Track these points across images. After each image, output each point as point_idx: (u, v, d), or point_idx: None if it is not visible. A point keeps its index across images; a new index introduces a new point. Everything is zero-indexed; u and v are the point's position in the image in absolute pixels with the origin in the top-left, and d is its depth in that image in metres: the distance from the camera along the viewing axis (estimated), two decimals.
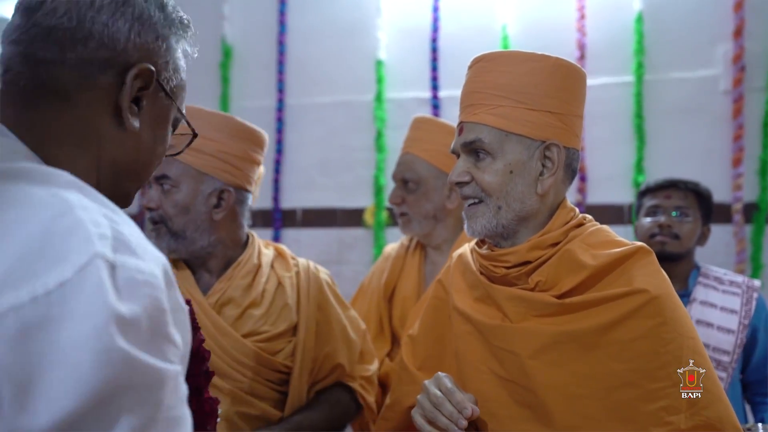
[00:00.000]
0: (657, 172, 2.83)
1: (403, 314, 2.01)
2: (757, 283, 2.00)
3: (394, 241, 2.31)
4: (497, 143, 1.15)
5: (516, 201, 1.16)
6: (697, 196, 2.09)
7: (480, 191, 1.17)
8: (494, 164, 1.15)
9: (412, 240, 2.13)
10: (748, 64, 2.82)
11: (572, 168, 1.20)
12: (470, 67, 1.23)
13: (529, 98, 1.14)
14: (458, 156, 1.23)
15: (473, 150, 1.18)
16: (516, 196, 1.15)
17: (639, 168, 2.92)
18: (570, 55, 3.04)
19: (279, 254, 1.75)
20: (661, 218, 2.05)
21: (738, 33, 2.81)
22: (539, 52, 1.17)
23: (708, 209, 2.11)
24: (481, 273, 1.24)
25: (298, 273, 1.72)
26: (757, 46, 2.82)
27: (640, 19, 2.94)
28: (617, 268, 1.11)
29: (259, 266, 1.68)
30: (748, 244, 2.80)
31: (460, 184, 1.20)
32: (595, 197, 3.00)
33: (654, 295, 1.06)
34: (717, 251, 2.83)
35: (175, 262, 1.63)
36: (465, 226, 1.22)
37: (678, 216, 2.05)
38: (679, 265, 2.03)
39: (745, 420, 2.04)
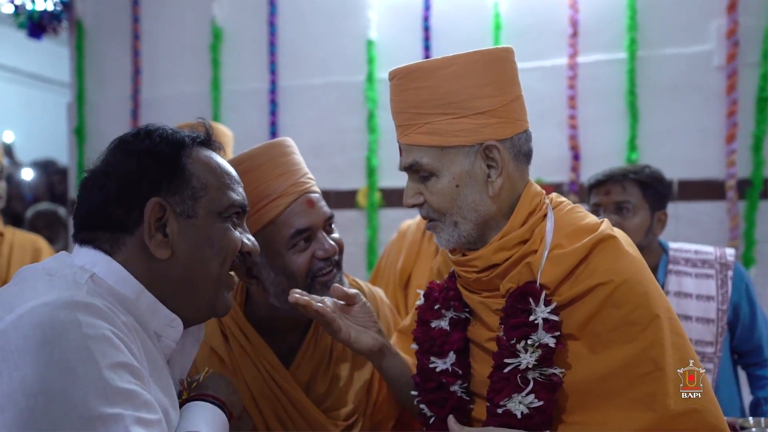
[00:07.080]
0: (650, 149, 2.82)
1: None
2: (730, 256, 1.93)
3: (387, 223, 2.30)
4: (435, 161, 1.12)
5: (470, 211, 1.13)
6: (640, 186, 1.93)
7: (433, 211, 1.16)
8: (439, 182, 1.13)
9: None
10: (741, 39, 2.79)
11: (524, 152, 1.16)
12: (390, 81, 1.18)
13: (453, 107, 1.10)
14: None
15: (416, 171, 1.15)
16: (468, 207, 1.13)
17: (632, 145, 2.90)
18: (562, 32, 3.02)
19: None
20: (602, 218, 1.94)
21: (732, 7, 2.78)
22: (451, 54, 1.11)
23: (658, 194, 1.96)
24: (459, 276, 1.23)
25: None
26: (750, 21, 2.79)
27: None
28: (581, 265, 1.08)
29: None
30: (741, 220, 2.79)
31: (415, 206, 1.18)
32: (588, 175, 2.97)
33: (618, 282, 1.04)
34: (710, 228, 2.83)
35: (241, 327, 1.32)
36: (435, 238, 1.20)
37: (619, 213, 1.92)
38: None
39: (739, 394, 2.04)
